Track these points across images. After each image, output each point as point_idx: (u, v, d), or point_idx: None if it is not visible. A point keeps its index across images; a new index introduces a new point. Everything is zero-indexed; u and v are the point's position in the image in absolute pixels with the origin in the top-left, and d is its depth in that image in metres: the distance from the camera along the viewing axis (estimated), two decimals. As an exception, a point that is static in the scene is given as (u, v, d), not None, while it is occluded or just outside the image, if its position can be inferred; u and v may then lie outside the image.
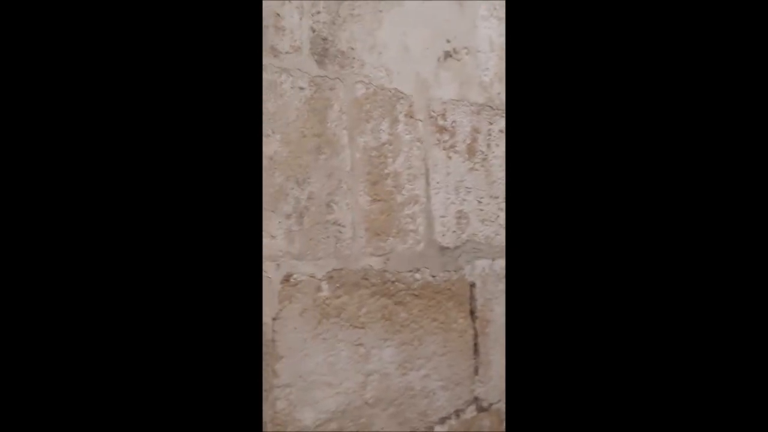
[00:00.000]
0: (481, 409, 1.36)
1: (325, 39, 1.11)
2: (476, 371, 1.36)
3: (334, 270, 1.12)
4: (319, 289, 1.10)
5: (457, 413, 1.32)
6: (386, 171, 1.21)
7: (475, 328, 1.36)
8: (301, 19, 1.08)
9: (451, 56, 1.32)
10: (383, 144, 1.21)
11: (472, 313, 1.36)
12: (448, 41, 1.32)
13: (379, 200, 1.20)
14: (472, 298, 1.36)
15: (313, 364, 1.09)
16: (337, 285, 1.13)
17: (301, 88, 1.08)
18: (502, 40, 1.42)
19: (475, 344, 1.36)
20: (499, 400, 1.42)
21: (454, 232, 1.33)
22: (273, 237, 1.05)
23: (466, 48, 1.35)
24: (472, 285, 1.36)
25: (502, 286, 1.44)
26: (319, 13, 1.10)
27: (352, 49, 1.15)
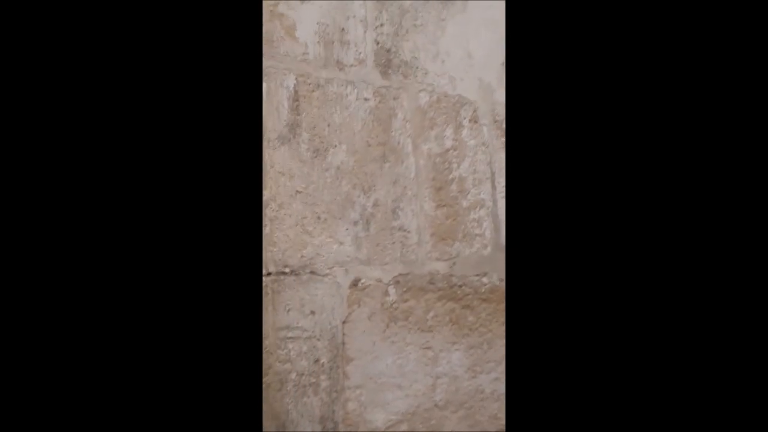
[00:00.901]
0: (553, 415, 1.35)
1: (388, 50, 1.15)
2: (548, 376, 1.34)
3: (400, 275, 1.15)
4: (386, 293, 1.14)
5: (529, 418, 1.31)
6: (451, 176, 1.23)
7: (545, 333, 1.35)
8: (365, 32, 1.12)
9: (515, 59, 1.32)
10: (447, 150, 1.22)
11: (542, 317, 1.35)
12: (512, 45, 1.32)
13: (444, 205, 1.22)
14: (541, 302, 1.35)
15: (383, 366, 1.12)
16: (404, 289, 1.16)
17: (366, 99, 1.12)
18: (569, 39, 1.40)
19: (546, 349, 1.35)
20: (573, 406, 1.40)
21: (522, 235, 1.33)
22: (341, 243, 1.09)
23: (530, 50, 1.34)
24: (542, 289, 1.35)
25: (573, 289, 1.42)
26: (382, 25, 1.14)
27: (416, 58, 1.18)
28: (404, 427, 1.14)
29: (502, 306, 1.29)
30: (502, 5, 1.29)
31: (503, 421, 1.28)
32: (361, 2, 1.11)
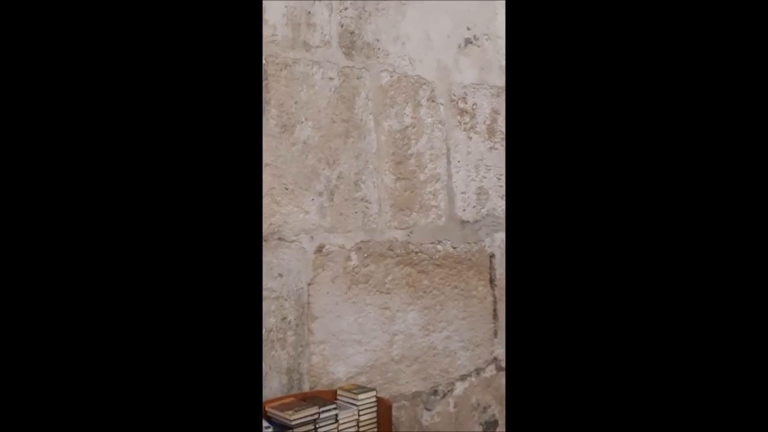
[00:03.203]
0: (499, 369, 1.49)
1: (352, 33, 1.22)
2: (495, 334, 1.48)
3: (362, 241, 1.26)
4: (348, 258, 1.24)
5: (477, 371, 1.44)
6: (409, 152, 1.33)
7: (494, 295, 1.48)
8: (330, 15, 1.19)
9: (471, 43, 1.41)
10: (406, 127, 1.32)
11: (491, 281, 1.47)
12: (469, 29, 1.41)
13: (403, 179, 1.32)
14: (491, 267, 1.47)
15: (345, 324, 1.23)
16: (365, 255, 1.26)
17: (331, 78, 1.20)
18: (522, 24, 1.49)
19: (494, 310, 1.48)
20: (517, 362, 1.54)
21: (474, 207, 1.44)
22: (307, 212, 1.18)
23: (486, 34, 1.43)
24: (492, 256, 1.47)
25: (520, 256, 1.54)
26: (346, 9, 1.21)
27: (378, 40, 1.26)
28: (363, 379, 1.26)
29: (455, 271, 1.41)
30: (460, -9, 1.38)
31: (454, 375, 1.41)
32: (327, -13, 1.18)
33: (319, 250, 1.20)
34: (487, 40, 1.44)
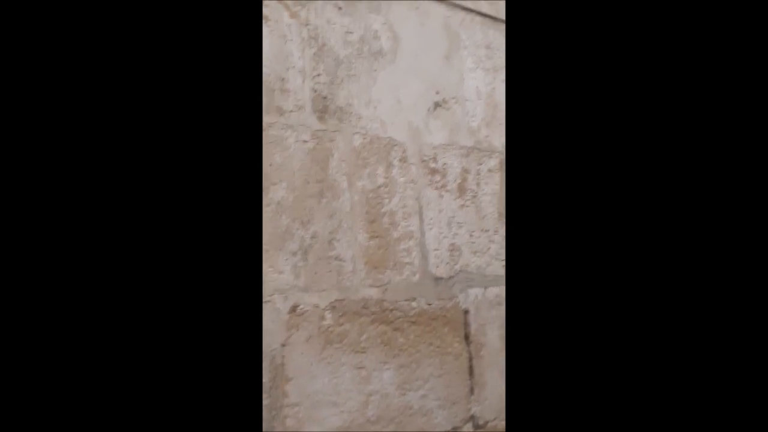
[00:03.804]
0: (477, 427, 1.47)
1: (325, 97, 1.27)
2: (472, 391, 1.47)
3: (336, 300, 1.26)
4: (323, 318, 1.24)
5: (455, 430, 1.43)
6: (383, 210, 1.35)
7: (469, 351, 1.48)
8: (303, 81, 1.24)
9: (440, 106, 1.47)
10: (379, 186, 1.35)
11: (466, 337, 1.48)
12: (437, 93, 1.47)
13: (376, 236, 1.34)
14: (466, 323, 1.48)
15: (319, 385, 1.22)
16: (340, 314, 1.27)
17: (305, 141, 1.24)
18: (489, 88, 1.56)
19: (470, 366, 1.48)
20: (495, 418, 1.53)
21: (448, 263, 1.46)
22: (281, 272, 1.19)
23: (454, 98, 1.50)
24: (466, 311, 1.48)
25: (494, 312, 1.56)
26: (319, 75, 1.26)
27: (350, 104, 1.31)
28: (339, 442, 1.23)
29: (430, 328, 1.41)
30: (430, 56, 1.45)
31: (431, 435, 1.39)
32: (300, 54, 1.23)
33: (293, 309, 1.20)
34: (455, 103, 1.50)
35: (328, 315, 1.24)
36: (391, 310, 1.35)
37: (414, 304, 1.39)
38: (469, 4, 1.51)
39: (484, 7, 1.55)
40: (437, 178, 1.46)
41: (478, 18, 1.54)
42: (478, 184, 1.54)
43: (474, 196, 1.53)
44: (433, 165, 1.45)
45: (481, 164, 1.55)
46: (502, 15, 1.58)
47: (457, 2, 1.49)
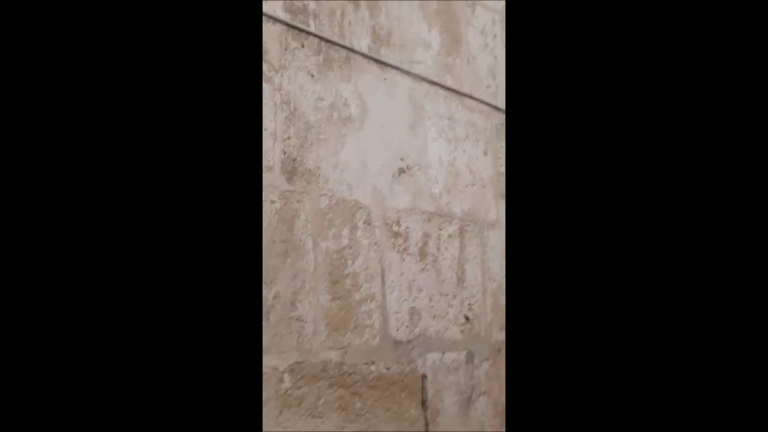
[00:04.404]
0: (432, 497, 1.45)
1: (294, 160, 1.30)
2: (427, 459, 1.45)
3: (295, 362, 1.24)
4: (281, 380, 1.21)
5: (409, 501, 1.40)
6: (346, 272, 1.36)
7: (426, 417, 1.47)
8: (274, 143, 1.27)
9: (404, 172, 1.52)
10: (343, 248, 1.37)
11: (423, 403, 1.47)
12: (402, 159, 1.52)
13: (338, 298, 1.34)
14: (423, 388, 1.48)
15: (274, 451, 1.18)
16: (298, 377, 1.24)
17: (272, 201, 1.25)
18: (451, 157, 1.63)
19: (427, 433, 1.46)
20: (450, 488, 1.50)
21: (408, 326, 1.47)
22: (242, 332, 1.17)
23: (417, 164, 1.55)
24: (424, 377, 1.48)
25: (451, 377, 1.57)
26: (290, 138, 1.29)
27: (318, 167, 1.34)
28: None
29: (388, 393, 1.40)
30: (396, 125, 1.50)
31: (386, 505, 1.35)
32: (272, 117, 1.26)
33: (252, 371, 1.17)
34: (418, 169, 1.55)
35: (286, 377, 1.22)
36: (350, 374, 1.33)
37: (373, 368, 1.38)
38: (434, 78, 1.59)
39: (448, 81, 1.63)
40: (400, 241, 1.49)
41: (441, 91, 1.62)
42: (438, 249, 1.57)
43: (434, 261, 1.56)
44: (396, 228, 1.48)
45: (441, 229, 1.59)
46: (465, 89, 1.68)
47: (423, 75, 1.57)
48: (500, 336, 1.74)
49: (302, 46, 1.30)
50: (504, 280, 1.77)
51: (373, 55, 1.44)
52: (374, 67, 1.45)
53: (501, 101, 1.77)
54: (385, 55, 1.47)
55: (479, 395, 1.64)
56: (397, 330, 1.45)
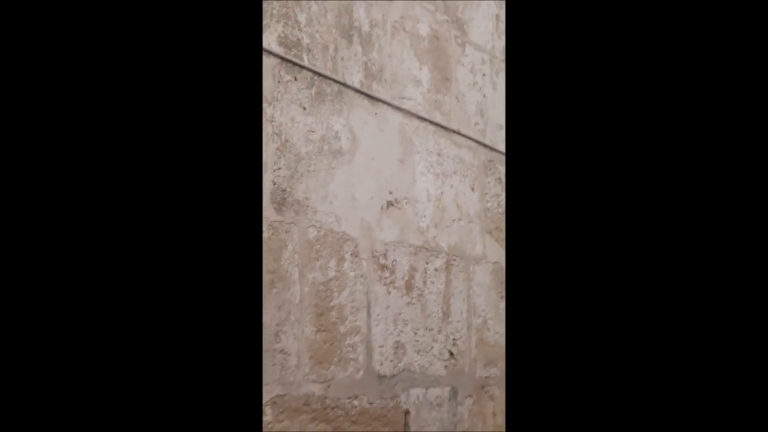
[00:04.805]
0: None
1: (284, 190, 1.30)
2: (409, 498, 1.42)
3: (278, 395, 1.22)
4: (263, 414, 1.19)
5: None
6: (331, 304, 1.36)
7: (408, 455, 1.45)
8: (264, 173, 1.27)
9: (392, 205, 1.53)
10: (330, 280, 1.36)
11: (406, 439, 1.45)
12: (390, 192, 1.53)
13: (323, 330, 1.33)
14: (406, 424, 1.46)
15: (253, 488, 1.15)
16: (280, 410, 1.22)
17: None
18: (438, 192, 1.65)
19: (409, 471, 1.44)
20: None
21: (392, 361, 1.46)
22: (224, 364, 1.15)
23: (406, 198, 1.57)
24: (407, 412, 1.46)
25: (434, 413, 1.55)
26: (280, 169, 1.30)
27: (307, 198, 1.34)
28: None
29: (370, 428, 1.38)
30: (385, 158, 1.52)
31: None
32: (264, 148, 1.27)
33: (234, 404, 1.15)
34: (406, 203, 1.57)
35: (268, 410, 1.20)
36: (333, 408, 1.32)
37: (356, 402, 1.36)
38: (424, 114, 1.62)
39: (437, 117, 1.66)
40: (386, 274, 1.49)
41: (431, 127, 1.64)
42: (424, 283, 1.58)
43: (420, 294, 1.56)
44: (383, 261, 1.48)
45: (428, 263, 1.60)
46: (454, 125, 1.70)
47: (413, 111, 1.59)
48: (484, 372, 1.73)
49: (295, 79, 1.32)
50: (488, 316, 1.77)
51: (365, 90, 1.47)
52: (365, 102, 1.47)
53: (489, 138, 1.80)
54: (377, 90, 1.50)
55: (462, 432, 1.63)
56: (381, 364, 1.43)
